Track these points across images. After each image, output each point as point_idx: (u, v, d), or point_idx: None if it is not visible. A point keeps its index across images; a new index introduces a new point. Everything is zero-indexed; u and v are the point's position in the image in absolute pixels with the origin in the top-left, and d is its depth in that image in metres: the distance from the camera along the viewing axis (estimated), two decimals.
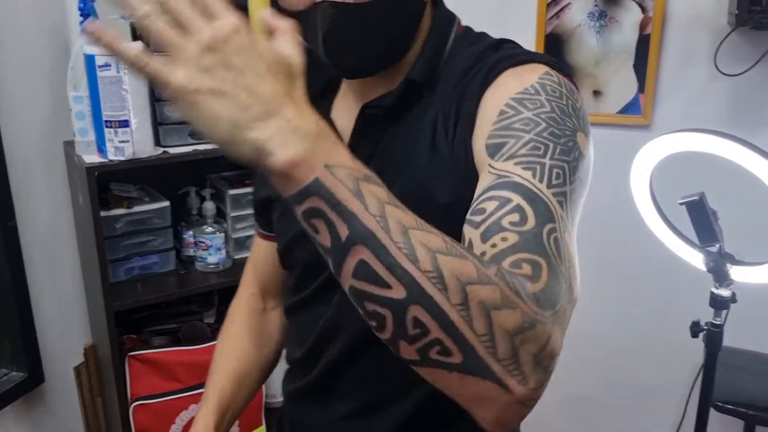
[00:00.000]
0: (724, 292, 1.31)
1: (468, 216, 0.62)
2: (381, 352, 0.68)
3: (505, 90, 0.70)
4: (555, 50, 1.78)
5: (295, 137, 0.50)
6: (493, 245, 0.57)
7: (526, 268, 0.55)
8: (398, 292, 0.50)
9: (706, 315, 1.36)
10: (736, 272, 1.31)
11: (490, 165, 0.66)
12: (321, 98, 0.85)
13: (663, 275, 1.74)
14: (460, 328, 0.50)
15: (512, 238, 0.57)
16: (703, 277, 1.36)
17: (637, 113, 1.74)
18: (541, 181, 0.62)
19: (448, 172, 0.73)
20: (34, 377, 1.80)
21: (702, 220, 1.25)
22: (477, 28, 1.01)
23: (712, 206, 1.29)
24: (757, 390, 1.52)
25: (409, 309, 0.50)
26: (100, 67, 1.51)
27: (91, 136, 1.61)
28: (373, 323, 0.52)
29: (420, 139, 0.76)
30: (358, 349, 0.83)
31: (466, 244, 0.60)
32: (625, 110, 1.75)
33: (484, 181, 0.65)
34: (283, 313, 1.00)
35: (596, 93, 1.77)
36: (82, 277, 1.89)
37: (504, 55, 0.74)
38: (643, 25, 1.69)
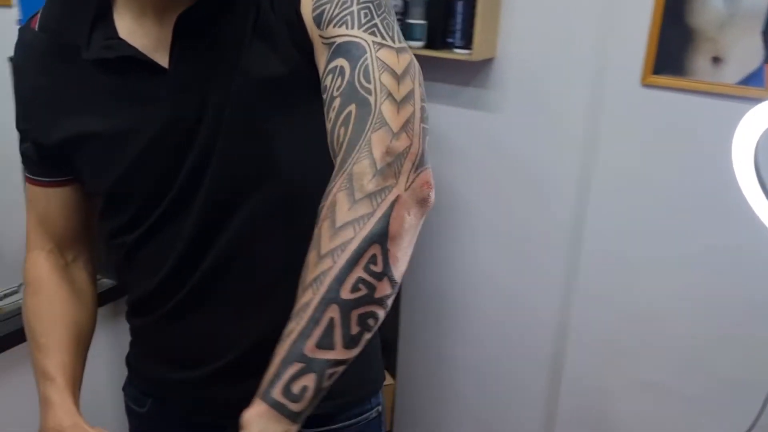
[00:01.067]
0: None
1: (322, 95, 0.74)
2: (253, 250, 0.85)
3: None
4: (676, 10, 1.64)
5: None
6: (329, 120, 0.71)
7: (340, 133, 0.68)
8: (333, 311, 0.62)
9: None
10: None
11: (320, 36, 0.75)
12: (99, 28, 0.81)
13: (762, 263, 1.60)
14: (349, 253, 0.62)
15: (336, 104, 0.70)
16: None
17: (759, 85, 1.58)
18: (352, 27, 0.72)
19: (282, 46, 0.78)
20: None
21: None
22: None
23: None
24: None
25: (341, 295, 0.62)
26: None
27: None
28: (372, 322, 0.65)
29: (245, 31, 0.78)
30: (229, 257, 0.85)
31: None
32: (746, 81, 1.60)
33: (322, 54, 0.75)
34: (122, 253, 0.92)
35: (715, 60, 1.63)
36: None
37: None
38: None
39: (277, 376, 0.62)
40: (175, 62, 0.80)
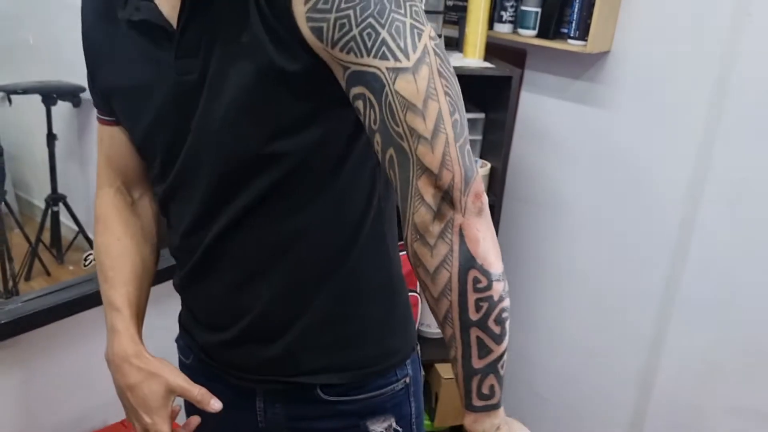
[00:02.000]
0: None
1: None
2: (258, 222, 0.85)
3: None
4: None
5: None
6: (377, 152, 0.74)
7: (391, 176, 0.73)
8: (475, 331, 0.72)
9: None
10: None
11: (324, 49, 0.72)
12: None
13: None
14: (456, 290, 0.71)
15: (378, 140, 0.72)
16: None
17: None
18: (362, 55, 0.69)
19: (283, 40, 0.74)
20: None
21: None
22: None
23: None
24: None
25: (472, 318, 0.72)
26: None
27: None
28: (506, 314, 0.74)
29: (250, 14, 0.75)
30: (236, 221, 0.86)
31: None
32: None
33: (334, 66, 0.73)
34: (158, 204, 0.99)
35: None
36: None
37: None
38: None
39: (468, 390, 0.74)
40: (182, 28, 0.80)
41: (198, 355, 1.03)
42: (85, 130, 2.72)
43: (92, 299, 1.51)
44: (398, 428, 1.01)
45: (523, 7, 1.85)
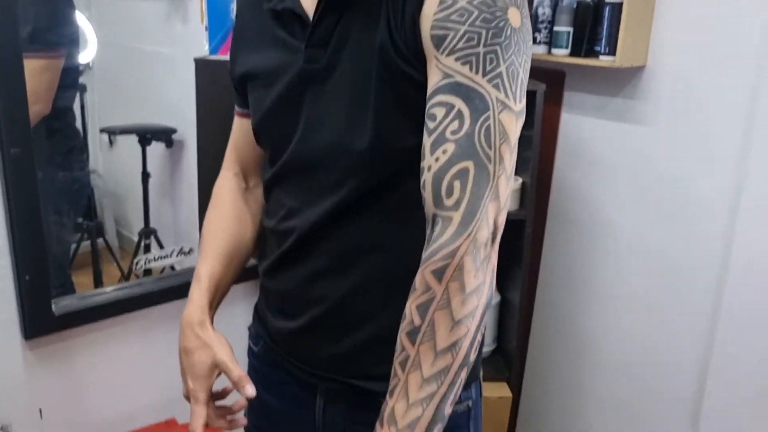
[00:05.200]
0: None
1: (425, 119, 0.76)
2: (349, 220, 0.87)
3: None
4: None
5: None
6: (437, 159, 0.73)
7: (455, 186, 0.72)
8: (464, 372, 0.75)
9: None
10: None
11: (436, 58, 0.75)
12: None
13: None
14: (477, 320, 0.73)
15: (450, 149, 0.72)
16: None
17: None
18: (477, 72, 0.72)
19: (401, 48, 0.79)
20: None
21: None
22: None
23: None
24: None
25: (471, 358, 0.75)
26: None
27: None
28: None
29: (380, 19, 0.79)
30: (331, 216, 0.87)
31: (422, 150, 0.76)
32: None
33: (434, 76, 0.76)
34: (263, 187, 1.01)
35: None
36: None
37: None
38: None
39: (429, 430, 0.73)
40: (317, 19, 0.85)
41: (267, 344, 1.04)
42: (176, 169, 2.96)
43: (137, 301, 1.62)
44: None
45: (556, 28, 1.89)
